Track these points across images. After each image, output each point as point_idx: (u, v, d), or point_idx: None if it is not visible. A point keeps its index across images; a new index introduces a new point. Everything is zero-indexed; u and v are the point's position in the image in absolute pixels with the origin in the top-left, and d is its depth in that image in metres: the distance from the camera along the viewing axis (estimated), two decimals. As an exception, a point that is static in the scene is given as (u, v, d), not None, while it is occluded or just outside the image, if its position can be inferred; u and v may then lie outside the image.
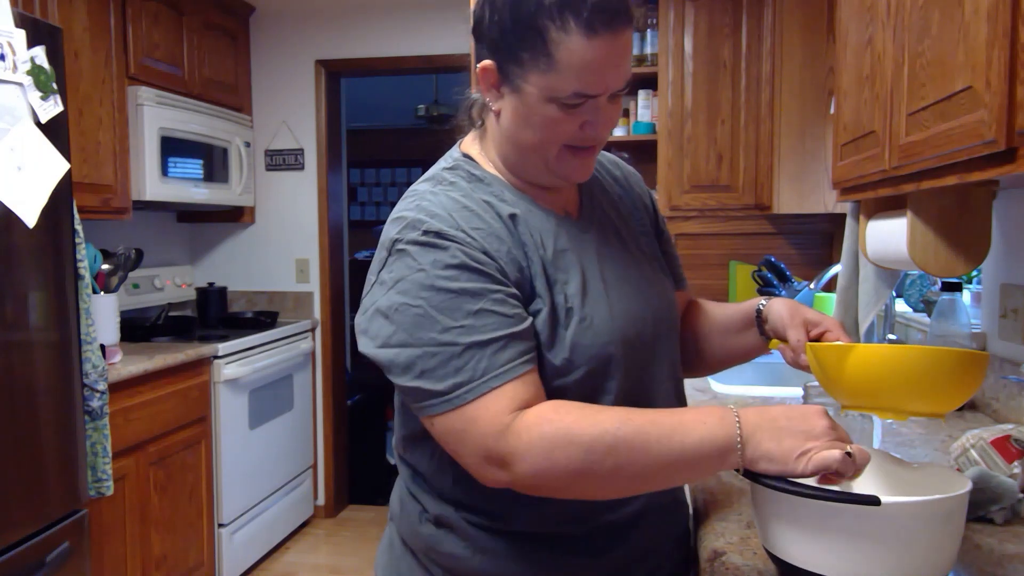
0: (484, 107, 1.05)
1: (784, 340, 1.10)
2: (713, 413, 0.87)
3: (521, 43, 0.92)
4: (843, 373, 0.93)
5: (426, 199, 0.98)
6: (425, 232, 0.94)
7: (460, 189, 1.00)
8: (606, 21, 0.89)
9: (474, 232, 0.94)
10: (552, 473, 0.87)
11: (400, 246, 0.95)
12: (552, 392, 0.94)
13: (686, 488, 1.27)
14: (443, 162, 1.08)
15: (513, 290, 0.94)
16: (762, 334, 1.17)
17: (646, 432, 0.85)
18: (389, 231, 0.98)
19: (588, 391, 0.97)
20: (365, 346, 0.95)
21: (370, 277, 0.99)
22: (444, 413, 0.90)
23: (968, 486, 0.85)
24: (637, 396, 1.02)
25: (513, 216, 0.99)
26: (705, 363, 1.26)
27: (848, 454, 0.80)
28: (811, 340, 1.06)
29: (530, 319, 0.94)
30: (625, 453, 0.85)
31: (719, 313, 1.24)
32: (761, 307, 1.15)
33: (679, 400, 1.14)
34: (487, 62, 0.97)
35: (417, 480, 1.07)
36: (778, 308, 1.12)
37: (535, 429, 0.87)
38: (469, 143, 1.09)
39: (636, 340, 1.03)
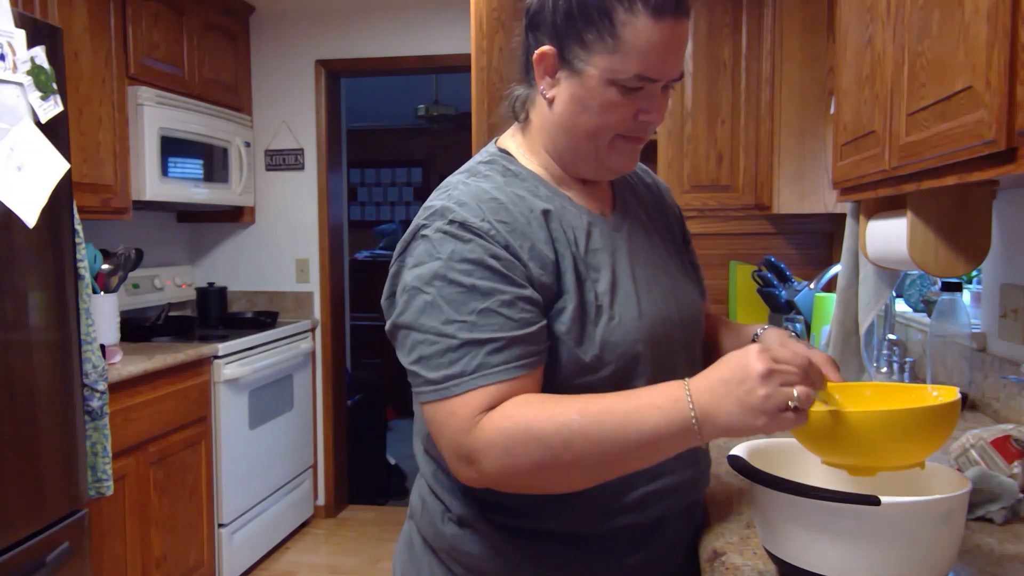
0: (527, 101, 1.07)
1: None
2: (667, 395, 0.86)
3: (587, 24, 0.95)
4: (815, 440, 0.89)
5: (458, 189, 1.00)
6: (451, 222, 0.95)
7: (493, 181, 1.02)
8: (672, 7, 0.94)
9: (499, 225, 0.95)
10: (514, 469, 0.88)
11: (424, 232, 0.97)
12: (579, 390, 0.94)
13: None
14: (479, 156, 1.10)
15: (527, 292, 0.94)
16: None
17: (602, 423, 0.86)
18: (417, 219, 1.00)
19: (614, 391, 0.97)
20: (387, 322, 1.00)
21: (393, 260, 1.01)
22: (431, 402, 0.92)
23: (968, 486, 0.85)
24: None
25: (547, 212, 1.00)
26: None
27: (795, 408, 0.81)
28: None
29: (540, 323, 0.94)
30: (582, 445, 0.86)
31: (728, 333, 1.24)
32: (756, 336, 1.14)
33: None
34: (546, 47, 0.99)
35: (440, 478, 1.07)
36: (770, 340, 1.09)
37: (497, 425, 0.88)
38: (507, 139, 1.11)
39: (664, 341, 1.04)
